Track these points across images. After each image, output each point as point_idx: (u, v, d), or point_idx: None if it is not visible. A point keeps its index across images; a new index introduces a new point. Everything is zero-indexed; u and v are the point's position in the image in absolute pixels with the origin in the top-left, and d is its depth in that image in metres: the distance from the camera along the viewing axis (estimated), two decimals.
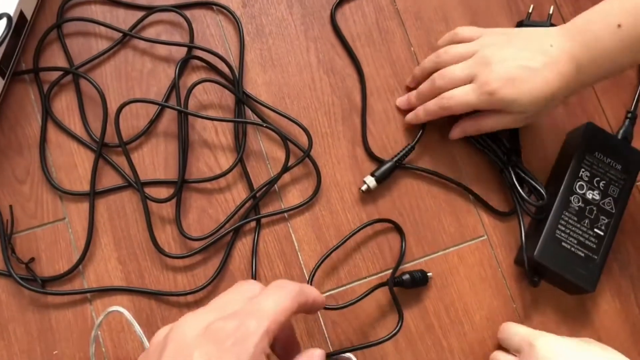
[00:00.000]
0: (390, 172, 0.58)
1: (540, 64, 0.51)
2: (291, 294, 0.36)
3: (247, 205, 0.56)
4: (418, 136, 0.59)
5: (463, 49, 0.56)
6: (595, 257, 0.56)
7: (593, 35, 0.51)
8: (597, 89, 0.64)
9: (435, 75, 0.56)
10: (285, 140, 0.56)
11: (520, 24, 0.64)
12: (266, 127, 0.56)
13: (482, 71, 0.53)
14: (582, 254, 0.56)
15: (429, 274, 0.56)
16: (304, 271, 0.56)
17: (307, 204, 0.57)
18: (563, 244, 0.56)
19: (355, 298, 0.54)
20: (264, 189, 0.56)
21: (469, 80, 0.54)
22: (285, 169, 0.56)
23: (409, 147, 0.58)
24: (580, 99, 0.64)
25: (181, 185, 0.55)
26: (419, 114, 0.58)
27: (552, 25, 0.63)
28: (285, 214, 0.57)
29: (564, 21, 0.65)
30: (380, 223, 0.58)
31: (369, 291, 0.55)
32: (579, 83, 0.53)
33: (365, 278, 0.57)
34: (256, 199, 0.56)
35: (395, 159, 0.58)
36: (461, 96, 0.54)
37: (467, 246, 0.59)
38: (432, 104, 0.56)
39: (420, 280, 0.56)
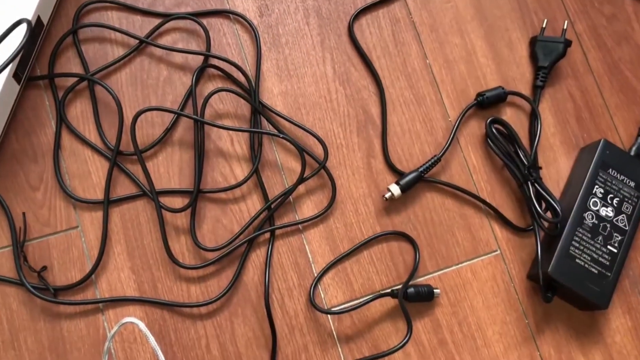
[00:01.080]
0: (414, 182, 0.57)
1: None
2: None
3: (261, 216, 0.56)
4: (444, 148, 0.59)
5: None
6: (609, 274, 0.56)
7: None
8: (610, 105, 0.64)
9: None
10: (302, 151, 0.55)
11: (534, 39, 0.64)
12: (282, 137, 0.55)
13: None
14: (596, 271, 0.56)
15: (435, 290, 0.56)
16: (319, 283, 0.56)
17: (321, 216, 0.57)
18: (577, 260, 0.56)
19: (358, 303, 0.54)
20: (279, 200, 0.56)
21: None
22: (301, 180, 0.56)
23: (435, 158, 0.58)
24: (594, 116, 0.64)
25: (197, 195, 0.54)
26: None
27: (566, 40, 0.63)
28: (300, 226, 0.57)
29: (577, 36, 0.65)
30: (394, 236, 0.57)
31: (372, 298, 0.54)
32: None
33: (379, 292, 0.56)
34: (271, 209, 0.56)
35: (421, 169, 0.58)
36: None
37: (480, 261, 0.59)
38: None
39: (425, 295, 0.55)
